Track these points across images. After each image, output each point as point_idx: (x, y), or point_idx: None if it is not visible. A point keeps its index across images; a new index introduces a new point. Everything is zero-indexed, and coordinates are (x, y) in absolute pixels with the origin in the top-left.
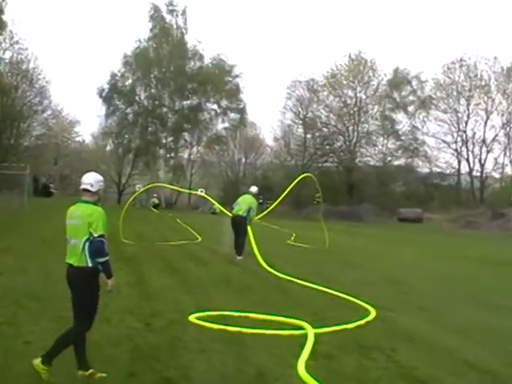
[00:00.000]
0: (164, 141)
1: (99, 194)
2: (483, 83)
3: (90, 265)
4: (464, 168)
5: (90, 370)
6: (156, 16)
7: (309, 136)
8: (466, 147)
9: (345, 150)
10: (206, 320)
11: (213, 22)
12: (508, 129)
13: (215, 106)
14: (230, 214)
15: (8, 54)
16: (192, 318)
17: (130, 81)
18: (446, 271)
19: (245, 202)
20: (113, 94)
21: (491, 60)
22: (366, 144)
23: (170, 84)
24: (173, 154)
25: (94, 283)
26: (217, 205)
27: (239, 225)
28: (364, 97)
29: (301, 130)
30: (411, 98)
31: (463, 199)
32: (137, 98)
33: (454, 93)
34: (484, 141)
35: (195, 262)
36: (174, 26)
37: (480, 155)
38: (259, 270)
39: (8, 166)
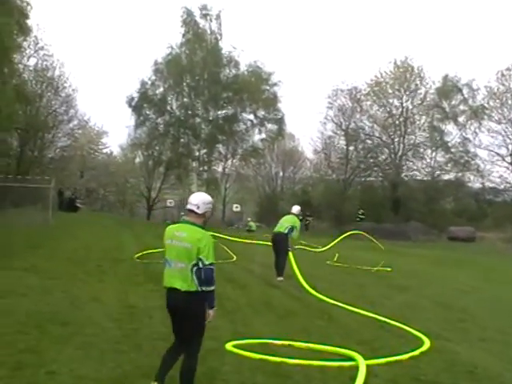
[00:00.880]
0: (197, 153)
1: (205, 217)
2: None
3: (199, 289)
4: None
5: None
6: (189, 21)
7: (351, 148)
8: None
9: (390, 163)
10: (245, 348)
11: (249, 26)
12: None
13: (251, 117)
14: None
15: (33, 61)
16: (230, 346)
17: (161, 89)
18: (505, 296)
19: (287, 221)
20: (143, 103)
21: None
22: (413, 157)
23: (204, 93)
24: (206, 167)
25: (204, 307)
26: None
27: (279, 243)
28: (411, 106)
29: (343, 141)
30: (462, 107)
31: None
32: (168, 108)
33: (509, 101)
34: None
35: (231, 283)
36: (208, 32)
37: None
38: (301, 293)
39: (32, 179)
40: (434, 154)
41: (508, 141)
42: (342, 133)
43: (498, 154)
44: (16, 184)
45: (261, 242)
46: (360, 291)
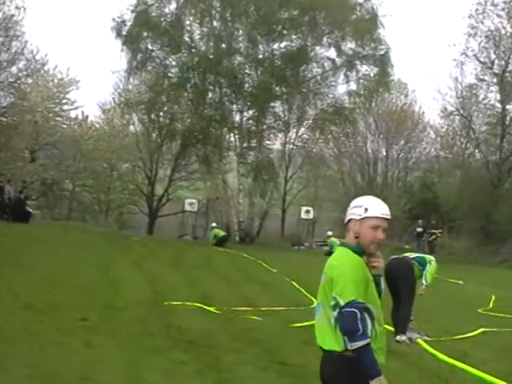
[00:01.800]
0: (237, 117)
1: (356, 232)
2: None
3: (345, 348)
4: None
5: None
6: None
7: (510, 107)
8: None
9: None
10: None
11: None
12: None
13: (332, 53)
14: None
15: None
16: None
17: (173, 5)
18: None
19: None
20: (141, 31)
21: None
22: None
23: (249, 12)
24: (254, 143)
25: (359, 378)
26: None
27: (399, 278)
28: None
29: (494, 94)
30: None
31: None
32: (186, 38)
33: None
34: None
35: (314, 348)
36: None
37: None
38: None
39: None
40: None
41: None
42: (494, 79)
43: None
44: None
45: None
46: None
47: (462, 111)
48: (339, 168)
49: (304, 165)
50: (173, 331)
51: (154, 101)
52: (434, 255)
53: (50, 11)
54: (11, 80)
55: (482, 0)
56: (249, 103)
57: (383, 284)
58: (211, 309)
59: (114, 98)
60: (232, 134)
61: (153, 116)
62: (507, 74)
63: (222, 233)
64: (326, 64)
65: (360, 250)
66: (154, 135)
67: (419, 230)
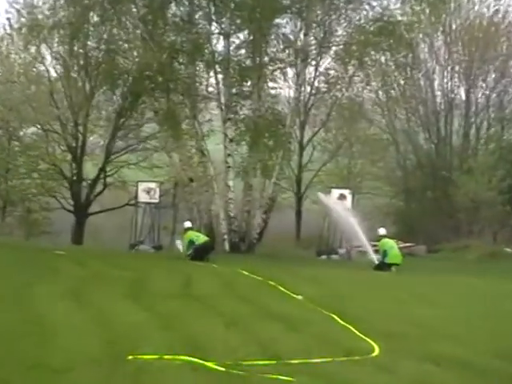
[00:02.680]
0: (220, 45)
1: None
2: None
3: None
4: None
5: None
6: None
7: None
8: None
9: None
10: None
11: None
12: None
13: None
14: None
15: None
16: None
17: None
18: None
19: None
20: None
21: None
22: None
23: None
24: (249, 86)
25: None
26: None
27: None
28: None
29: None
30: None
31: None
32: None
33: None
34: None
35: None
36: None
37: None
38: None
39: None
40: None
41: None
42: None
43: None
44: None
45: None
46: None
47: None
48: (389, 124)
49: (331, 119)
50: None
51: (79, 21)
52: None
53: None
54: None
55: None
56: (239, 20)
57: None
58: (210, 364)
59: (9, 19)
60: (213, 73)
61: (77, 47)
62: None
63: (201, 237)
64: None
65: None
66: (79, 79)
67: None
